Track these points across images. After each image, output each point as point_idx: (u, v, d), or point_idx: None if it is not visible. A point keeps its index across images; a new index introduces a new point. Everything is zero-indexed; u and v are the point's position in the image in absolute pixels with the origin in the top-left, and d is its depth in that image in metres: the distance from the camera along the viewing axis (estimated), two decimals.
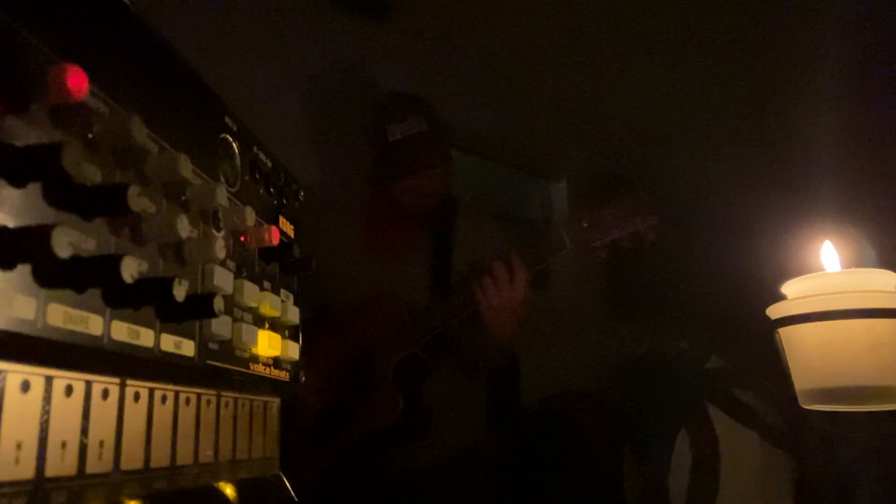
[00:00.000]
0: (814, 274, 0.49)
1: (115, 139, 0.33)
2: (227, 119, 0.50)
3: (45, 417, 0.31)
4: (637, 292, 2.41)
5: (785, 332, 0.49)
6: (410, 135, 1.30)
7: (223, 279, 0.43)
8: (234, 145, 0.50)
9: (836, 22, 1.66)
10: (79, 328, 0.30)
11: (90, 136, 0.32)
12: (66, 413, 0.33)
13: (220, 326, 0.43)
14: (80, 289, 0.30)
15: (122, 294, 0.32)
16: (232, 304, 0.47)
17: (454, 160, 1.47)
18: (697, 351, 2.04)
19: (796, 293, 0.49)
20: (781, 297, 0.50)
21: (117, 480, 0.36)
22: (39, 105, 0.29)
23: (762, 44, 1.93)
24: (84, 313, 0.31)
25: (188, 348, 0.40)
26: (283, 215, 0.59)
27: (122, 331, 0.33)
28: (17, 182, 0.28)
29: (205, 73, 0.47)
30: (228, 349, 0.46)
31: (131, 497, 0.37)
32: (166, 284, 0.33)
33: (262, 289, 0.51)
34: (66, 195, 0.30)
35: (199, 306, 0.37)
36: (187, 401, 0.44)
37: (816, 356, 0.47)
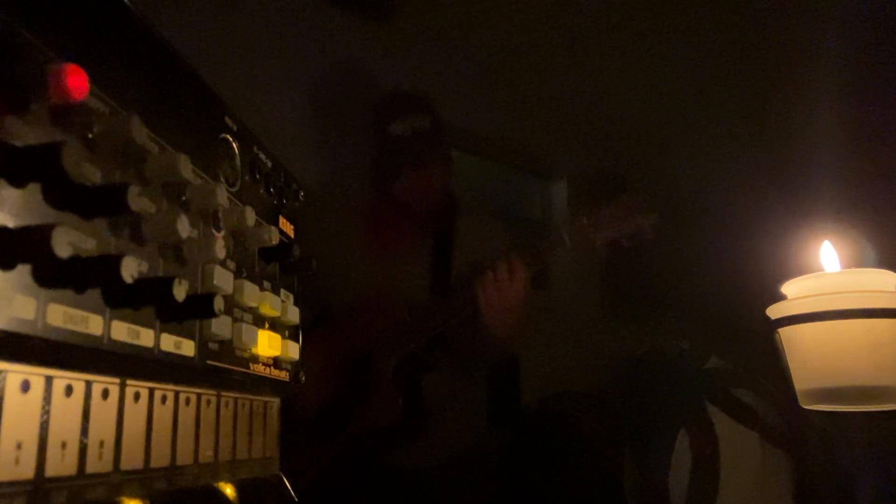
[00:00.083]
0: (814, 274, 0.49)
1: (115, 139, 0.33)
2: (227, 119, 0.50)
3: (45, 417, 0.31)
4: (637, 292, 2.41)
5: (785, 332, 0.49)
6: (411, 132, 1.30)
7: (223, 279, 0.43)
8: (234, 145, 0.50)
9: (836, 21, 1.66)
10: (79, 328, 0.30)
11: (90, 136, 0.32)
12: (66, 413, 0.33)
13: (220, 326, 0.43)
14: (80, 289, 0.30)
15: (122, 294, 0.32)
16: (232, 304, 0.47)
17: (454, 160, 1.47)
18: (697, 351, 2.04)
19: (796, 293, 0.49)
20: (781, 297, 0.50)
21: (117, 480, 0.36)
22: (39, 105, 0.29)
23: (762, 44, 1.93)
24: (84, 313, 0.31)
25: (188, 348, 0.40)
26: (283, 215, 0.59)
27: (122, 331, 0.33)
28: (17, 182, 0.28)
29: (205, 73, 0.47)
30: (228, 349, 0.46)
31: (132, 496, 0.37)
32: (166, 284, 0.33)
33: (262, 289, 0.51)
34: (66, 195, 0.30)
35: (199, 306, 0.37)
36: (187, 401, 0.44)
37: (816, 356, 0.47)
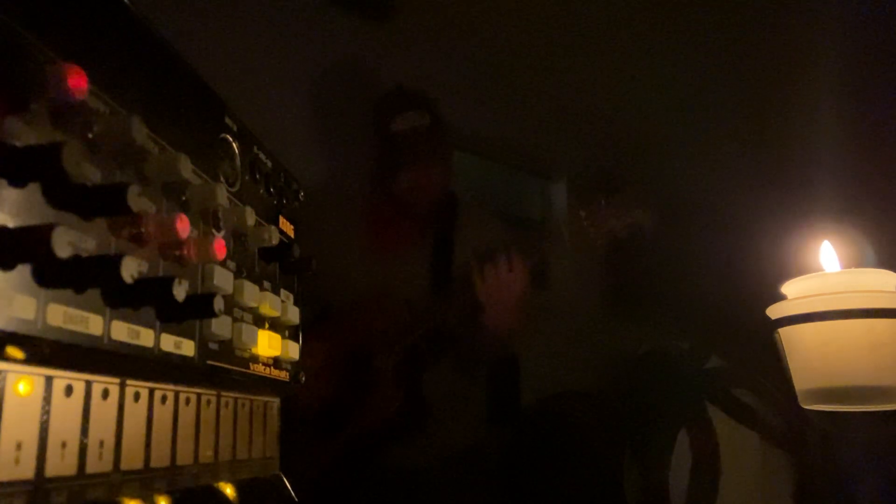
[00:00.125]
0: (814, 274, 0.49)
1: (115, 139, 0.33)
2: (227, 119, 0.50)
3: (45, 417, 0.31)
4: (637, 292, 2.41)
5: (785, 332, 0.49)
6: (411, 129, 1.30)
7: (223, 279, 0.43)
8: (234, 145, 0.50)
9: (836, 20, 1.66)
10: (79, 328, 0.30)
11: (90, 136, 0.32)
12: (66, 413, 0.33)
13: (220, 326, 0.43)
14: (80, 289, 0.30)
15: (122, 294, 0.32)
16: (232, 304, 0.47)
17: (454, 159, 1.47)
18: (697, 351, 2.04)
19: (796, 293, 0.49)
20: (781, 297, 0.50)
21: (117, 480, 0.36)
22: (39, 105, 0.29)
23: (762, 43, 1.93)
24: (84, 313, 0.31)
25: (188, 348, 0.40)
26: (283, 215, 0.59)
27: (122, 331, 0.33)
28: (17, 182, 0.28)
29: (205, 73, 0.47)
30: (228, 349, 0.46)
31: (132, 497, 0.37)
32: (166, 284, 0.33)
33: (262, 289, 0.51)
34: (66, 195, 0.30)
35: (199, 306, 0.37)
36: (187, 401, 0.44)
37: (816, 356, 0.47)
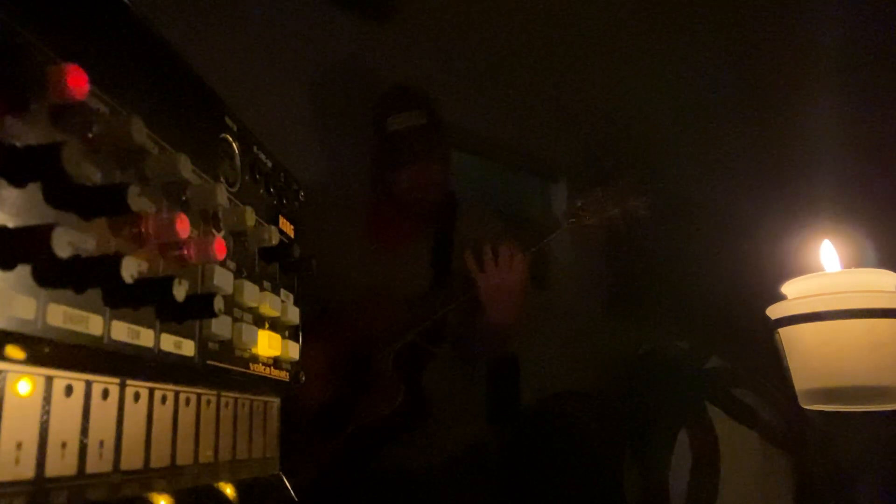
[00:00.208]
0: (814, 274, 0.49)
1: (115, 139, 0.33)
2: (227, 119, 0.50)
3: (45, 417, 0.31)
4: (637, 292, 2.41)
5: (785, 332, 0.49)
6: (409, 127, 1.30)
7: (223, 279, 0.43)
8: (234, 145, 0.50)
9: (837, 19, 1.66)
10: (79, 328, 0.30)
11: (90, 136, 0.32)
12: (66, 413, 0.33)
13: (220, 326, 0.43)
14: (80, 289, 0.30)
15: (122, 294, 0.32)
16: (232, 304, 0.47)
17: (454, 159, 1.47)
18: (697, 351, 2.04)
19: (796, 293, 0.49)
20: (781, 297, 0.50)
21: (117, 480, 0.36)
22: (39, 105, 0.29)
23: (762, 43, 1.93)
24: (84, 313, 0.31)
25: (188, 348, 0.40)
26: (283, 215, 0.59)
27: (122, 331, 0.33)
28: (17, 182, 0.28)
29: (205, 73, 0.47)
30: (228, 349, 0.46)
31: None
32: (166, 284, 0.33)
33: (262, 289, 0.51)
34: (66, 195, 0.30)
35: (199, 306, 0.37)
36: (187, 401, 0.44)
37: (816, 356, 0.47)
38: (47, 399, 0.31)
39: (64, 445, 0.32)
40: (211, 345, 0.43)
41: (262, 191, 0.55)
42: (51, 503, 0.31)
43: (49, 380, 0.32)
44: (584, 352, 2.21)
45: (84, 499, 0.33)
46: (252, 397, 0.54)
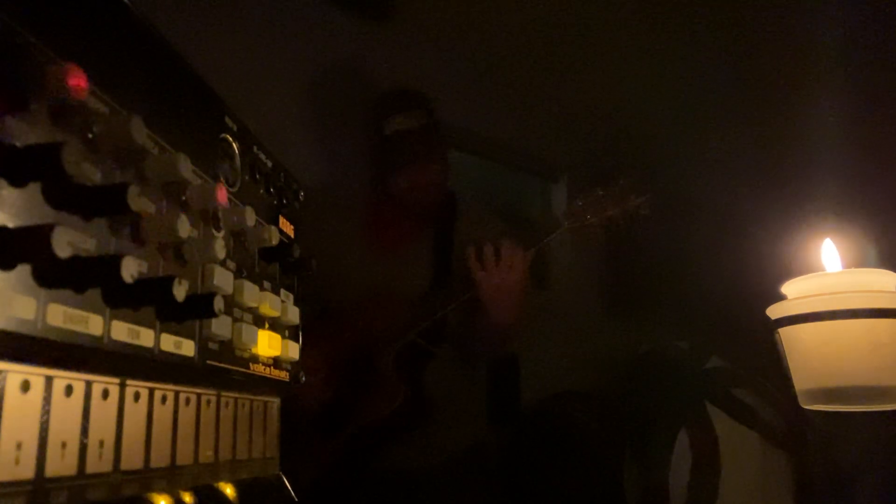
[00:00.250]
0: (814, 274, 0.49)
1: (115, 139, 0.33)
2: (227, 119, 0.50)
3: (45, 417, 0.31)
4: (637, 292, 2.41)
5: (785, 332, 0.49)
6: (407, 129, 1.30)
7: (223, 279, 0.43)
8: (234, 145, 0.50)
9: (838, 16, 1.66)
10: (79, 328, 0.30)
11: (90, 136, 0.32)
12: (66, 413, 0.33)
13: (220, 326, 0.43)
14: (80, 289, 0.30)
15: (122, 294, 0.32)
16: (232, 304, 0.47)
17: (452, 158, 1.47)
18: (697, 351, 2.04)
19: (796, 293, 0.49)
20: (781, 297, 0.50)
21: (117, 480, 0.36)
22: (39, 105, 0.29)
23: (763, 41, 1.93)
24: (84, 313, 0.31)
25: (188, 348, 0.40)
26: (283, 215, 0.59)
27: (122, 331, 0.33)
28: (17, 182, 0.28)
29: (205, 73, 0.47)
30: (228, 349, 0.46)
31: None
32: (166, 284, 0.33)
33: (262, 289, 0.51)
34: (66, 195, 0.30)
35: (199, 306, 0.37)
36: (187, 401, 0.44)
37: (816, 356, 0.47)
38: (47, 399, 0.31)
39: (64, 445, 0.32)
40: (211, 345, 0.43)
41: (262, 191, 0.55)
42: (51, 503, 0.31)
43: (49, 380, 0.32)
44: (584, 352, 2.21)
45: (84, 499, 0.33)
46: (252, 397, 0.54)
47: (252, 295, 0.48)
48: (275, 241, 0.51)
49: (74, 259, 0.28)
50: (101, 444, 0.35)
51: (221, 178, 0.48)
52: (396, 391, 1.21)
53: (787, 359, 0.49)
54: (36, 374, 0.31)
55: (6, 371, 0.29)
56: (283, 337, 0.55)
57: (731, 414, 1.82)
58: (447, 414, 1.32)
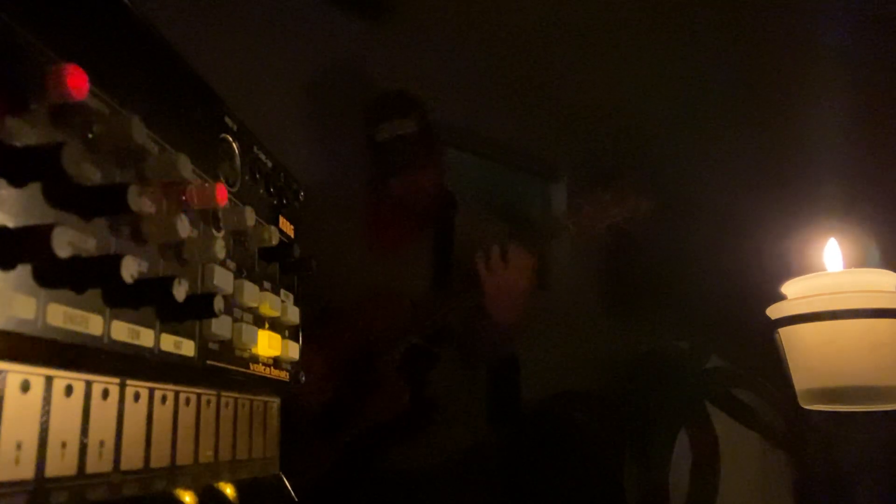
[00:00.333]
0: (814, 274, 0.49)
1: (115, 139, 0.33)
2: (227, 119, 0.50)
3: (45, 417, 0.31)
4: (637, 292, 2.41)
5: (785, 332, 0.49)
6: (399, 136, 1.30)
7: (223, 279, 0.43)
8: (234, 145, 0.50)
9: (841, 14, 1.66)
10: (79, 328, 0.30)
11: (90, 136, 0.32)
12: (66, 413, 0.33)
13: (220, 326, 0.43)
14: (80, 289, 0.30)
15: (122, 294, 0.32)
16: (232, 304, 0.47)
17: (451, 158, 1.48)
18: (697, 351, 2.04)
19: (796, 293, 0.49)
20: (781, 297, 0.50)
21: (117, 480, 0.36)
22: (39, 105, 0.29)
23: (765, 39, 1.93)
24: (84, 313, 0.31)
25: (188, 348, 0.40)
26: (283, 215, 0.59)
27: (122, 331, 0.33)
28: (17, 182, 0.28)
29: (205, 73, 0.47)
30: (228, 349, 0.46)
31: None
32: (166, 284, 0.33)
33: (262, 289, 0.51)
34: (66, 195, 0.30)
35: (199, 306, 0.37)
36: (187, 401, 0.44)
37: (816, 356, 0.47)
38: (47, 399, 0.31)
39: (64, 445, 0.32)
40: (211, 345, 0.43)
41: (262, 191, 0.55)
42: (51, 503, 0.31)
43: (49, 380, 0.32)
44: (584, 352, 2.21)
45: (84, 499, 0.33)
46: (252, 397, 0.54)
47: (252, 295, 0.48)
48: (275, 241, 0.51)
49: (74, 259, 0.28)
50: (101, 444, 0.35)
51: (221, 178, 0.48)
52: (400, 394, 1.21)
53: (787, 359, 0.49)
54: (36, 374, 0.31)
55: (6, 371, 0.29)
56: (283, 337, 0.55)
57: (731, 414, 1.82)
58: (448, 414, 1.32)
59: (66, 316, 0.30)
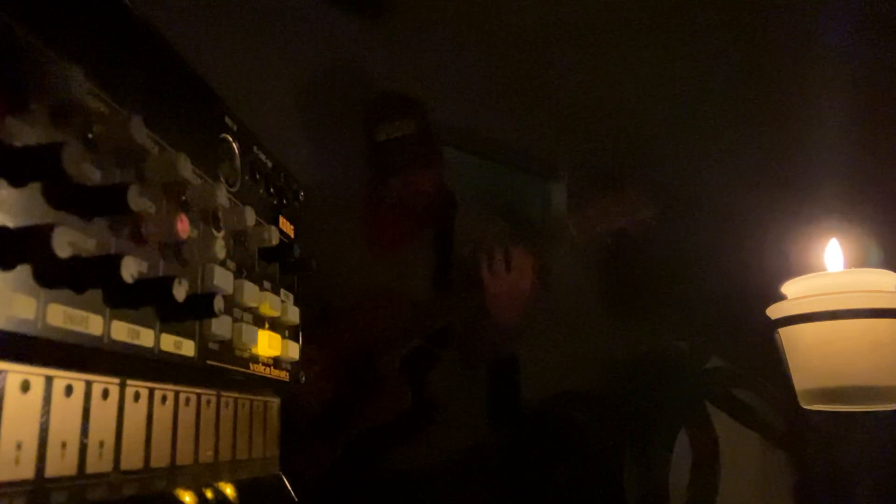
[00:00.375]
0: (814, 274, 0.49)
1: (115, 139, 0.33)
2: (227, 119, 0.50)
3: (45, 417, 0.31)
4: (637, 292, 2.41)
5: (785, 332, 0.49)
6: (397, 137, 1.30)
7: (223, 279, 0.43)
8: (234, 145, 0.50)
9: (842, 13, 1.66)
10: (79, 328, 0.30)
11: (90, 136, 0.32)
12: (66, 413, 0.33)
13: (220, 326, 0.43)
14: (80, 289, 0.30)
15: (122, 294, 0.32)
16: (232, 304, 0.47)
17: (451, 158, 1.48)
18: (697, 351, 2.04)
19: (796, 293, 0.49)
20: (782, 297, 0.50)
21: (117, 480, 0.36)
22: (39, 105, 0.29)
23: (765, 39, 1.93)
24: (84, 313, 0.31)
25: (188, 348, 0.40)
26: (283, 215, 0.59)
27: (122, 331, 0.33)
28: (17, 182, 0.28)
29: (205, 73, 0.47)
30: (228, 349, 0.46)
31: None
32: (166, 284, 0.33)
33: (262, 289, 0.51)
34: (66, 195, 0.30)
35: (199, 306, 0.37)
36: (187, 401, 0.44)
37: (816, 356, 0.47)
38: (47, 399, 0.31)
39: (64, 445, 0.32)
40: (211, 345, 0.43)
41: (262, 191, 0.55)
42: (51, 503, 0.31)
43: (49, 380, 0.32)
44: (584, 352, 2.21)
45: (84, 499, 0.33)
46: (252, 397, 0.54)
47: (252, 295, 0.48)
48: (275, 241, 0.51)
49: (74, 259, 0.28)
50: (101, 444, 0.35)
51: (221, 178, 0.48)
52: (402, 395, 1.21)
53: (787, 359, 0.49)
54: (36, 374, 0.31)
55: (6, 371, 0.29)
56: (283, 337, 0.55)
57: (731, 414, 1.82)
58: (447, 414, 1.32)
59: (67, 316, 0.30)
